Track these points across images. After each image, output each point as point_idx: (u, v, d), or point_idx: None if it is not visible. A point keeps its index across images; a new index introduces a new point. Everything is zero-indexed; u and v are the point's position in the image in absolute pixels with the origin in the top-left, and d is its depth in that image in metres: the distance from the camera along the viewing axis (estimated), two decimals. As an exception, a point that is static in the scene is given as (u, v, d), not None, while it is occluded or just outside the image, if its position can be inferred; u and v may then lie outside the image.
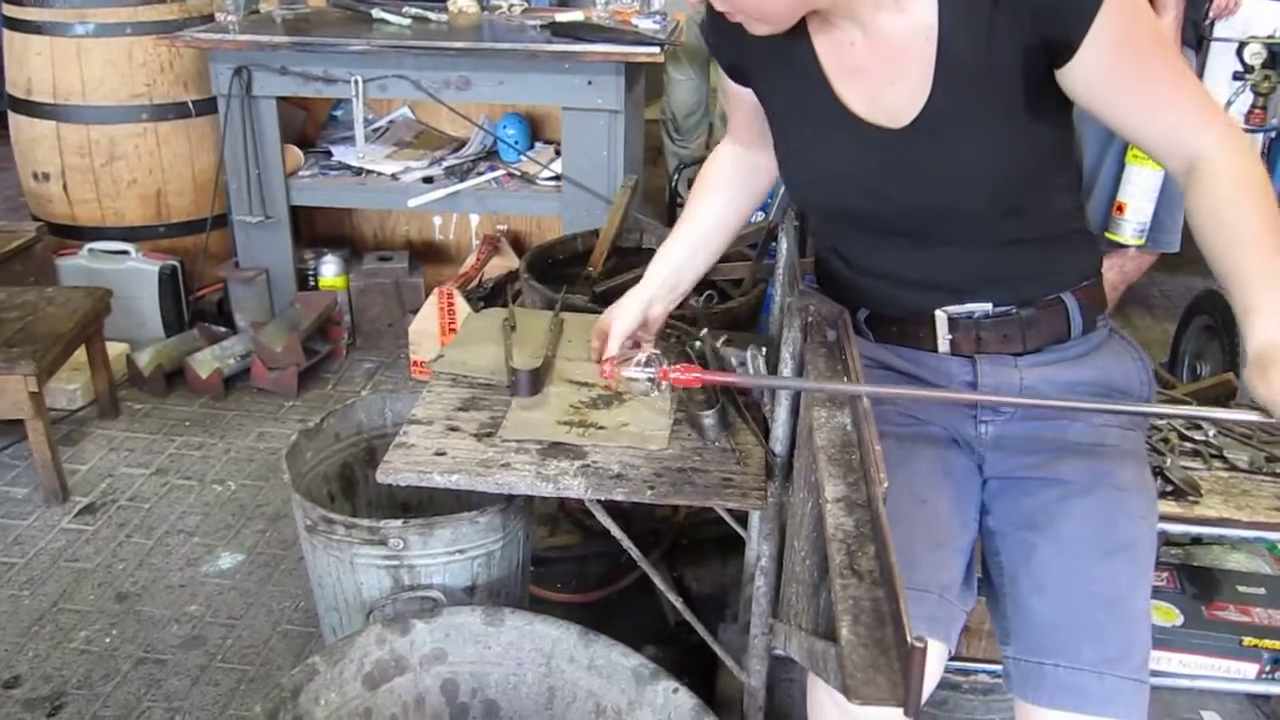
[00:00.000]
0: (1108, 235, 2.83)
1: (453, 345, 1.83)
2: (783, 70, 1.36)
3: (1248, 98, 3.17)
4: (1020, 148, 1.27)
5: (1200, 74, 3.26)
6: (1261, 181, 1.17)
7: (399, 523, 1.72)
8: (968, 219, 1.33)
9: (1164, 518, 1.54)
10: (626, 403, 1.63)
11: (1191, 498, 1.56)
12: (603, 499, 1.47)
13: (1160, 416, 1.73)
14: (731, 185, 1.64)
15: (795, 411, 1.42)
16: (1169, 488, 1.58)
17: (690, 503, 1.45)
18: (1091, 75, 1.19)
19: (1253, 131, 3.31)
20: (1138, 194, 2.75)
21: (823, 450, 1.08)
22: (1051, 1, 1.16)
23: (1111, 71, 1.19)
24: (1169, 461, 1.62)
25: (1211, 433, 1.70)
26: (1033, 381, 1.40)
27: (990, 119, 1.25)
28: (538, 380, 1.66)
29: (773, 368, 1.55)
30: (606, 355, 1.58)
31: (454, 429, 1.57)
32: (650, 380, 1.29)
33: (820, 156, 1.38)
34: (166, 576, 2.42)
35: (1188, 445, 1.70)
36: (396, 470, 1.47)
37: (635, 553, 1.61)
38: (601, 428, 1.56)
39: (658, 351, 1.30)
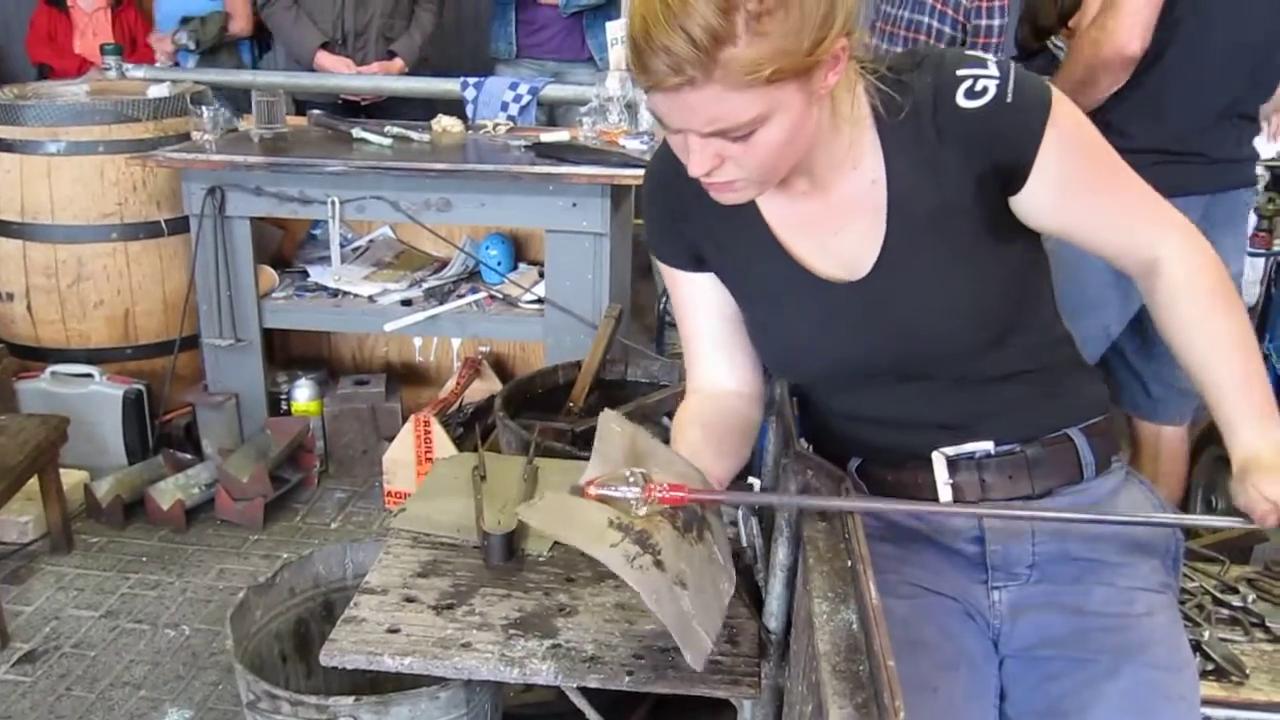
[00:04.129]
0: None
1: (417, 497, 1.67)
2: (734, 240, 1.28)
3: (1251, 220, 3.09)
4: (994, 273, 1.21)
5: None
6: (1225, 285, 1.19)
7: (350, 700, 1.53)
8: (956, 355, 1.24)
9: (1206, 701, 1.38)
10: (701, 541, 1.21)
11: (1235, 677, 1.40)
12: (576, 685, 1.30)
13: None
14: (706, 427, 1.33)
15: (791, 585, 1.27)
16: (1209, 666, 1.42)
17: (674, 691, 1.28)
18: (1047, 193, 1.17)
19: (1256, 255, 3.22)
20: None
21: (825, 658, 0.92)
22: (997, 127, 1.13)
23: (1066, 187, 1.17)
24: (1207, 634, 1.46)
25: (1250, 598, 1.54)
26: (1047, 544, 1.27)
27: (956, 253, 1.19)
28: (511, 545, 1.51)
29: (766, 531, 1.40)
30: (589, 475, 1.24)
31: (410, 599, 1.41)
32: (634, 499, 1.15)
33: (789, 325, 1.29)
34: (106, 738, 2.22)
35: (1224, 612, 1.54)
36: (343, 651, 1.31)
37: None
38: (659, 562, 1.11)
39: (643, 470, 1.17)
